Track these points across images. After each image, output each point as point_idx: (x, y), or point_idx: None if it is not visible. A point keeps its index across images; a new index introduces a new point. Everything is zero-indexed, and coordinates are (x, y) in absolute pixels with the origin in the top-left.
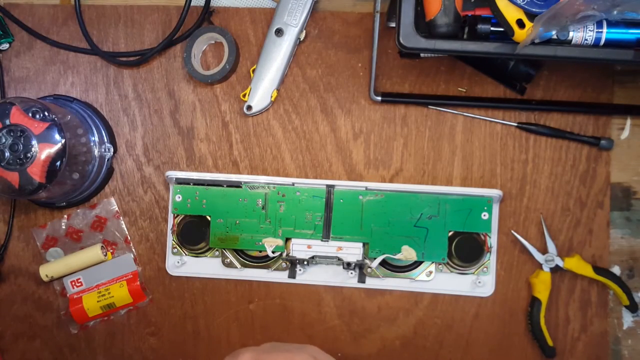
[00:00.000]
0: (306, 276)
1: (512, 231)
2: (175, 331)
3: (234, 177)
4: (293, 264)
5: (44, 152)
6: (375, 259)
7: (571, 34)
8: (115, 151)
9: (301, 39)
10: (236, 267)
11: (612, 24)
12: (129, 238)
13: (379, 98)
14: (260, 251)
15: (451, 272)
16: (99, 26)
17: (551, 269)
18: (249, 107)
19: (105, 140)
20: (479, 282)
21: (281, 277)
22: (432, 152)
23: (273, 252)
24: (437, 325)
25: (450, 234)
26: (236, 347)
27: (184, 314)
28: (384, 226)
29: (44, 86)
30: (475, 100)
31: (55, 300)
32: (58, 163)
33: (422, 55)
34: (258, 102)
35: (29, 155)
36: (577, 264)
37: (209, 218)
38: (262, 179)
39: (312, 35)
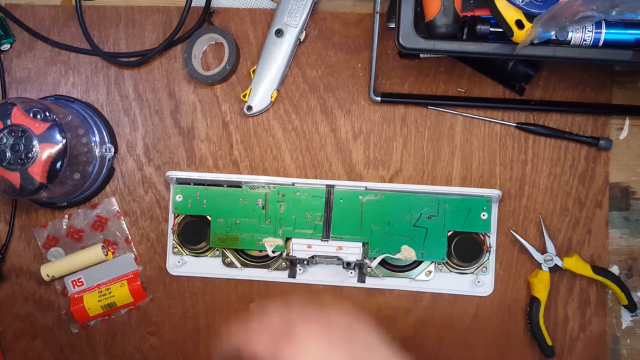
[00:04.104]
0: (306, 276)
1: (511, 231)
2: (176, 330)
3: (234, 177)
4: (293, 263)
5: (45, 152)
6: (374, 258)
7: (570, 34)
8: (116, 151)
9: (301, 40)
10: (236, 267)
11: (610, 24)
12: (130, 238)
13: (379, 98)
14: (261, 251)
15: (450, 271)
16: (100, 27)
17: (550, 268)
18: (249, 108)
19: (106, 140)
20: (478, 281)
21: (281, 276)
22: (432, 152)
23: (273, 252)
24: (436, 325)
25: (450, 233)
26: None
27: (184, 313)
28: (383, 226)
29: (45, 86)
30: (475, 101)
31: (56, 299)
32: (59, 163)
33: (421, 55)
34: (258, 102)
35: (30, 155)
36: (576, 264)
37: (209, 218)
38: (262, 179)
39: (312, 36)
